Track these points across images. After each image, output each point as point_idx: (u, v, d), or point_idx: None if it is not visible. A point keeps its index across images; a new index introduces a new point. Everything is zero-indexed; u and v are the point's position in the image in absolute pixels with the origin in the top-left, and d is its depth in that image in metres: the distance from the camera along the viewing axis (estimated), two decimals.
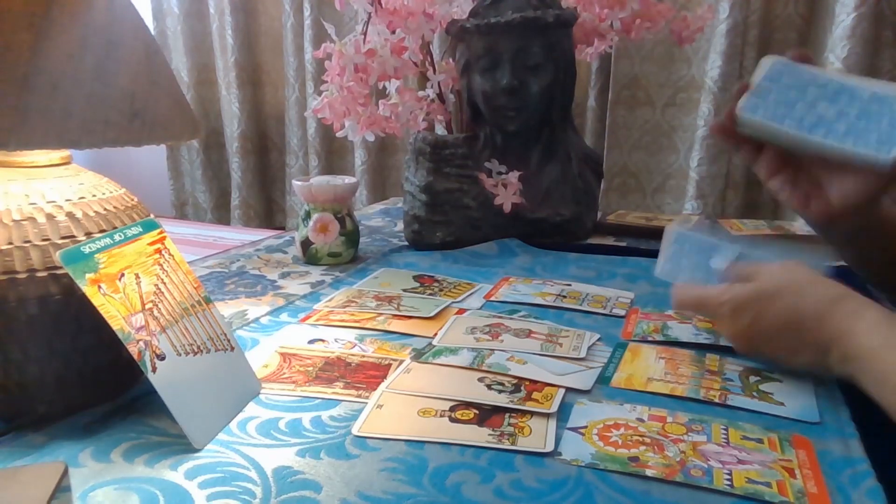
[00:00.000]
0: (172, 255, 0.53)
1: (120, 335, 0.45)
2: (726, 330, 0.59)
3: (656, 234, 1.11)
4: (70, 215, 0.49)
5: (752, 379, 0.58)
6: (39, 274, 0.47)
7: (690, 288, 0.62)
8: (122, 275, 0.48)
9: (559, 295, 0.80)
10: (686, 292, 0.62)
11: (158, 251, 0.52)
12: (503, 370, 0.59)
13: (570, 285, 0.84)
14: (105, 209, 0.51)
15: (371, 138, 0.99)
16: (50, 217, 0.49)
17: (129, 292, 0.48)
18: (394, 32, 0.95)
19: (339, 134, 0.99)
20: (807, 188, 0.61)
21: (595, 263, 0.95)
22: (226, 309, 0.75)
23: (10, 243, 0.47)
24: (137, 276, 0.49)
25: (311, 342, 0.66)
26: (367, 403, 0.53)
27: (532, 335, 0.67)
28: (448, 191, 1.00)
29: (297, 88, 2.16)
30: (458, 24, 0.98)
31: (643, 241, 1.07)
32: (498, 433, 0.49)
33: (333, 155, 2.21)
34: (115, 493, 0.42)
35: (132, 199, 0.55)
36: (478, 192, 1.00)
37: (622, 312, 0.75)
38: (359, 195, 2.11)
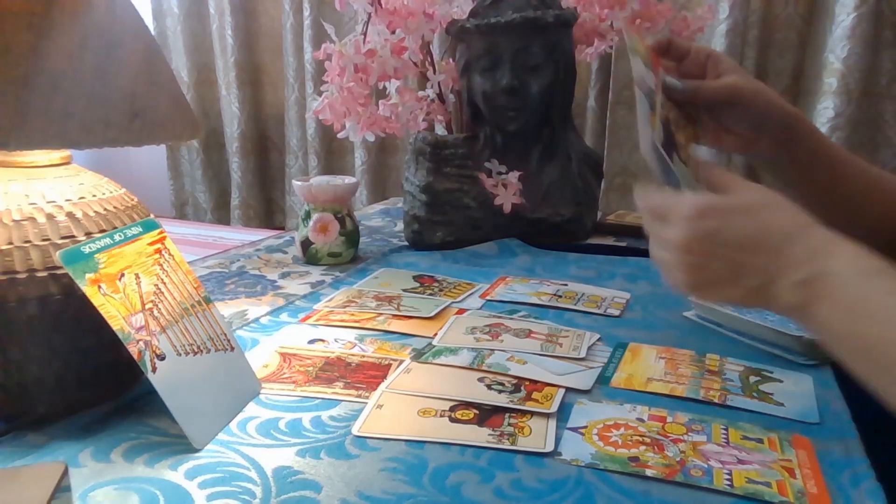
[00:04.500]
0: (172, 255, 0.53)
1: (120, 335, 0.45)
2: (681, 235, 0.51)
3: None
4: (70, 215, 0.49)
5: (752, 379, 0.58)
6: (39, 274, 0.47)
7: (657, 192, 0.55)
8: (122, 275, 0.48)
9: (555, 294, 0.80)
10: (651, 195, 0.55)
11: (158, 251, 0.52)
12: (503, 370, 0.59)
13: (566, 285, 0.84)
14: (105, 209, 0.51)
15: (371, 138, 0.99)
16: (50, 217, 0.49)
17: (129, 292, 0.48)
18: (394, 32, 0.95)
19: (339, 135, 0.99)
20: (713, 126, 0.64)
21: (595, 263, 0.95)
22: (226, 309, 0.75)
23: (10, 243, 0.47)
24: (137, 276, 0.49)
25: (311, 342, 0.66)
26: (367, 403, 0.53)
27: (532, 335, 0.67)
28: (448, 191, 1.00)
29: (296, 89, 2.16)
30: (458, 24, 0.98)
31: (643, 241, 1.07)
32: (498, 433, 0.49)
33: (333, 155, 2.21)
34: (115, 493, 0.42)
35: (132, 199, 0.55)
36: (478, 192, 1.00)
37: (616, 313, 0.75)
38: (359, 195, 2.11)
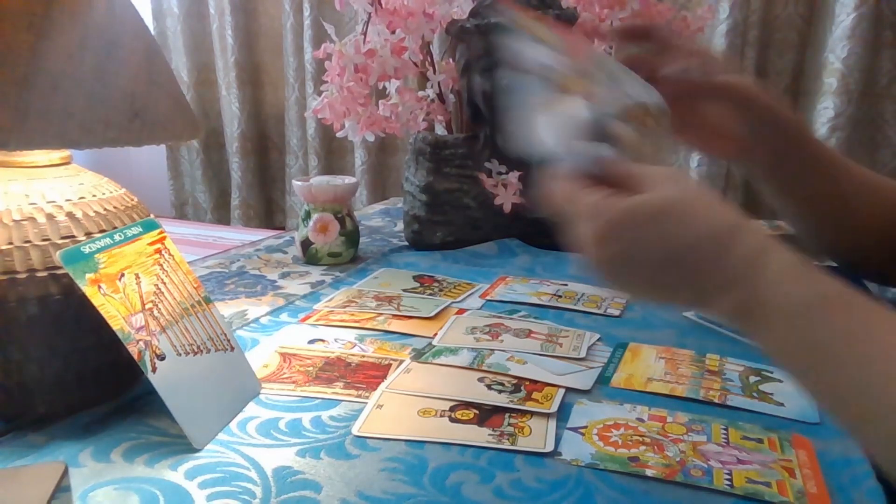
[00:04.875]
0: (172, 255, 0.53)
1: (120, 335, 0.45)
2: (589, 256, 0.43)
3: None
4: (70, 215, 0.49)
5: (752, 379, 0.58)
6: (39, 274, 0.47)
7: (571, 181, 0.45)
8: (122, 275, 0.48)
9: (555, 294, 0.80)
10: (564, 185, 0.45)
11: (158, 251, 0.52)
12: (503, 370, 0.59)
13: (566, 285, 0.84)
14: (105, 209, 0.51)
15: (371, 138, 0.99)
16: (50, 217, 0.49)
17: (129, 292, 0.48)
18: (394, 32, 0.95)
19: (339, 134, 0.99)
20: (707, 130, 0.58)
21: None
22: (226, 309, 0.75)
23: (10, 243, 0.47)
24: (137, 276, 0.49)
25: (311, 342, 0.66)
26: (367, 403, 0.53)
27: (532, 335, 0.67)
28: (448, 191, 1.00)
29: (296, 88, 2.17)
30: (458, 24, 0.98)
31: None
32: (498, 433, 0.49)
33: (333, 155, 2.21)
34: (115, 493, 0.42)
35: (132, 199, 0.55)
36: (478, 192, 1.00)
37: (616, 313, 0.75)
38: (359, 195, 2.11)
